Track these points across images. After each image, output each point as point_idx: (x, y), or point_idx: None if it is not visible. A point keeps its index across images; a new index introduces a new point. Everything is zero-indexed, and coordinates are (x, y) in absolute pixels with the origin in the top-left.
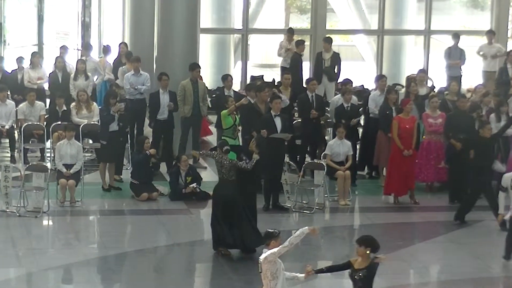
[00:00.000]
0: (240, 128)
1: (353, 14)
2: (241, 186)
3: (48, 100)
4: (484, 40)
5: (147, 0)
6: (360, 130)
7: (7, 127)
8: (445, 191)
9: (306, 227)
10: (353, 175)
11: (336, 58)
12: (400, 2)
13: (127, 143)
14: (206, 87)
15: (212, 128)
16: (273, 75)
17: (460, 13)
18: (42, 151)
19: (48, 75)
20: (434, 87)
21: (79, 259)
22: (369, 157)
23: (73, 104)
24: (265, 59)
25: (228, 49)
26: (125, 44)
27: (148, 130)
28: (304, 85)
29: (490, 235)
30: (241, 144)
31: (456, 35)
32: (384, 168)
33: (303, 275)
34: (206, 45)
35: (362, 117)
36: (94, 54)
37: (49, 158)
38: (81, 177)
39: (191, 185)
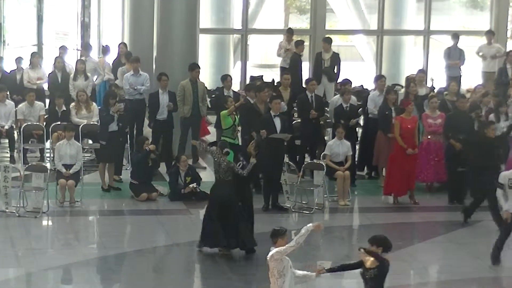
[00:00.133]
0: (239, 128)
1: (353, 14)
2: (238, 187)
3: (47, 100)
4: (483, 40)
5: (146, 0)
6: (360, 131)
7: (6, 127)
8: (445, 191)
9: (310, 224)
10: (353, 176)
11: (335, 59)
12: (399, 2)
13: (126, 143)
14: (206, 87)
15: (211, 128)
16: (272, 75)
17: (459, 13)
18: (42, 151)
19: (47, 75)
20: (434, 87)
21: (78, 259)
22: (369, 157)
23: (73, 104)
24: (264, 60)
25: (227, 50)
26: (125, 44)
27: (147, 130)
28: (304, 86)
29: (490, 235)
30: (240, 144)
31: (456, 35)
32: (384, 168)
33: (314, 273)
34: (205, 46)
35: (362, 117)
36: (94, 54)
37: (48, 158)
38: (80, 177)
39: (191, 185)
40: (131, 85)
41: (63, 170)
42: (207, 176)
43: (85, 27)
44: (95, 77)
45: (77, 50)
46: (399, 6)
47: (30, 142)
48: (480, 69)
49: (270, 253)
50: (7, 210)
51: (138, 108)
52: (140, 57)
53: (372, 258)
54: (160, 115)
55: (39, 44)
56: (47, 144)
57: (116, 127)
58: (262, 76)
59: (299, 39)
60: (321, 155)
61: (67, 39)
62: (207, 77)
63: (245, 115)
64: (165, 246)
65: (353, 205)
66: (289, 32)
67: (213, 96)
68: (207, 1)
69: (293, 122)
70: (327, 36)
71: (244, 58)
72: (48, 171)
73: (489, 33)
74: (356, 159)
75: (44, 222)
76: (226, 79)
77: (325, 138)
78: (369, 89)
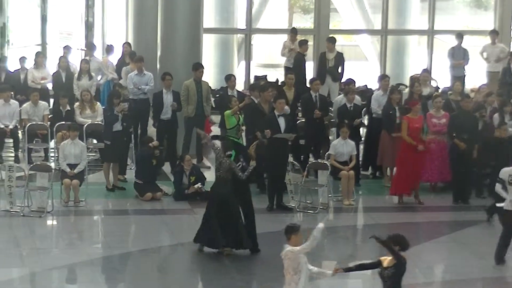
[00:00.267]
0: (243, 128)
1: (357, 14)
2: (237, 189)
3: (51, 100)
4: (487, 40)
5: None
6: (364, 130)
7: (11, 127)
8: (449, 191)
9: (321, 225)
10: (357, 175)
11: (339, 58)
12: (403, 2)
13: (131, 143)
14: (210, 87)
15: (215, 128)
16: (276, 75)
17: (463, 13)
18: (46, 151)
19: (51, 75)
20: (439, 88)
21: (83, 259)
22: (373, 157)
23: (77, 104)
24: (268, 59)
25: (231, 49)
26: (129, 44)
27: (151, 130)
28: (308, 85)
29: (494, 235)
30: (245, 144)
31: (460, 35)
32: (388, 168)
33: (330, 272)
34: (209, 45)
35: (366, 117)
36: (98, 54)
37: (53, 158)
38: (85, 177)
39: (196, 185)
40: (135, 85)
41: (68, 169)
42: (212, 175)
43: (89, 27)
44: (100, 76)
45: (81, 49)
46: (403, 6)
47: (34, 142)
48: (484, 69)
49: (284, 251)
50: (11, 210)
51: (142, 107)
52: (144, 56)
53: (389, 258)
54: (164, 114)
55: (43, 44)
56: (52, 144)
57: (120, 127)
58: (266, 75)
59: (303, 38)
60: (326, 155)
61: (71, 38)
62: (211, 77)
63: (249, 115)
64: (169, 245)
65: (358, 205)
66: (293, 32)
67: (217, 95)
68: (211, 1)
69: (297, 122)
70: (331, 36)
71: (248, 58)
72: (53, 170)
73: (493, 33)
74: (360, 159)
75: (49, 222)
76: (230, 78)
77: (330, 137)
78: (373, 88)
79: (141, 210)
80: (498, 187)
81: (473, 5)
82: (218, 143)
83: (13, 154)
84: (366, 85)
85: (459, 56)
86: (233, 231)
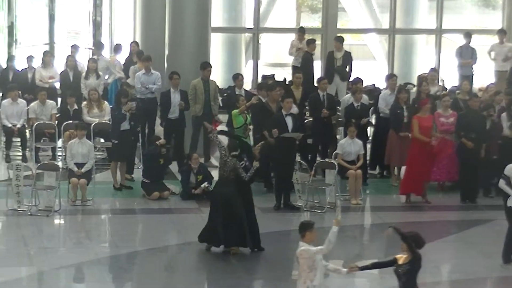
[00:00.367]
0: (251, 127)
1: (364, 13)
2: (240, 187)
3: (59, 99)
4: (495, 39)
5: None
6: (371, 130)
7: (18, 126)
8: (457, 190)
9: (335, 228)
10: (365, 174)
11: (347, 57)
12: (411, 1)
13: (138, 142)
14: (217, 86)
15: (223, 127)
16: (284, 74)
17: (471, 12)
18: (54, 150)
19: (59, 74)
20: (446, 88)
21: (90, 258)
22: (380, 156)
23: (84, 103)
24: (276, 58)
25: (239, 48)
26: (136, 43)
27: (159, 129)
28: (315, 84)
29: (502, 234)
30: (252, 143)
31: (468, 34)
32: (396, 168)
33: (345, 269)
34: (217, 44)
35: (373, 116)
36: (106, 53)
37: (60, 157)
38: (92, 176)
39: (202, 185)
40: (143, 84)
41: (75, 168)
42: None
43: (96, 26)
44: (107, 76)
45: (89, 49)
46: (411, 5)
47: (42, 141)
48: (492, 68)
49: (299, 250)
50: (19, 209)
51: (149, 107)
52: (151, 55)
53: (404, 256)
54: (171, 114)
55: (51, 43)
56: (59, 143)
57: (128, 126)
58: (274, 75)
59: (311, 38)
60: (333, 154)
61: (78, 37)
62: (218, 76)
63: (257, 114)
64: (176, 245)
65: (365, 204)
66: (301, 31)
67: (225, 95)
68: (219, 0)
69: (305, 121)
70: (339, 35)
71: (255, 57)
72: (60, 169)
73: (501, 32)
74: (367, 158)
75: (56, 221)
76: (237, 78)
77: (337, 137)
78: (381, 88)
79: (148, 209)
80: (502, 183)
81: (481, 4)
82: (223, 139)
83: (20, 153)
84: (373, 84)
85: (467, 55)
86: (237, 230)
